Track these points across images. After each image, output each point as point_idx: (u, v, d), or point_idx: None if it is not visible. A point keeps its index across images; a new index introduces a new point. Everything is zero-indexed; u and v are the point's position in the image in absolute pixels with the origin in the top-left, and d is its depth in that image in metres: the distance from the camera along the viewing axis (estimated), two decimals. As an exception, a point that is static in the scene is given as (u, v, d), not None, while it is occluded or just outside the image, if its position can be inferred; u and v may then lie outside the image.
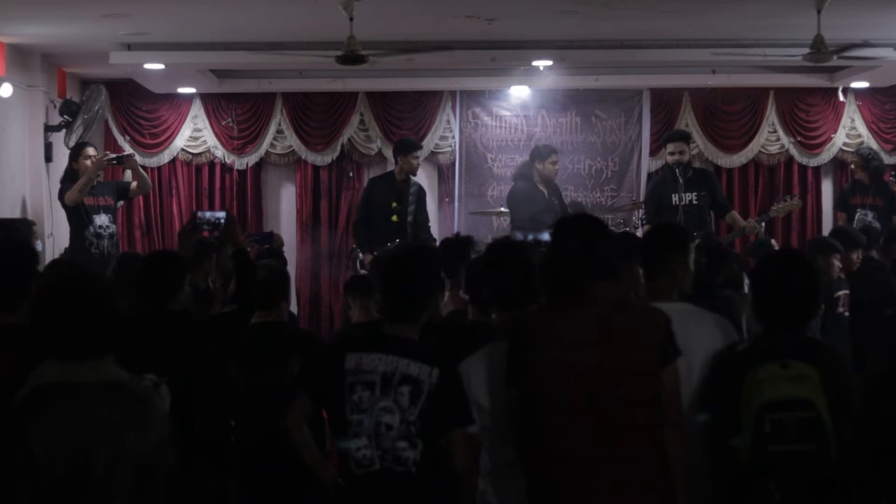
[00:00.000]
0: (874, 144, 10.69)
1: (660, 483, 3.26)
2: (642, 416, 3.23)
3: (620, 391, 3.22)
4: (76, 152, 8.74)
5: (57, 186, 8.88)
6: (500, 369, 3.49)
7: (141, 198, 10.77)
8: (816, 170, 11.26)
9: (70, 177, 8.66)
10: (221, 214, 5.15)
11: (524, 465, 3.39)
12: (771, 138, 11.13)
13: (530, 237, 7.41)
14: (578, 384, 3.22)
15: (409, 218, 8.79)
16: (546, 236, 4.15)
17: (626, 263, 3.66)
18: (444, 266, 4.38)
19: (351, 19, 7.04)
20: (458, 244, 5.31)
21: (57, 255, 8.98)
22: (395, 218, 8.73)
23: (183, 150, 10.94)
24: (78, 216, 8.58)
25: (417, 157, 9.00)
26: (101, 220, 8.69)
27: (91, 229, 8.58)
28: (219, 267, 5.39)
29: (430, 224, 9.19)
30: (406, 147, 9.00)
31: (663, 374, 3.28)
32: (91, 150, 8.80)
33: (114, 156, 9.08)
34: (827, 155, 11.12)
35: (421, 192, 9.08)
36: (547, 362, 3.27)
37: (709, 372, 3.53)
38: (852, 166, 9.75)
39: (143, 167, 10.81)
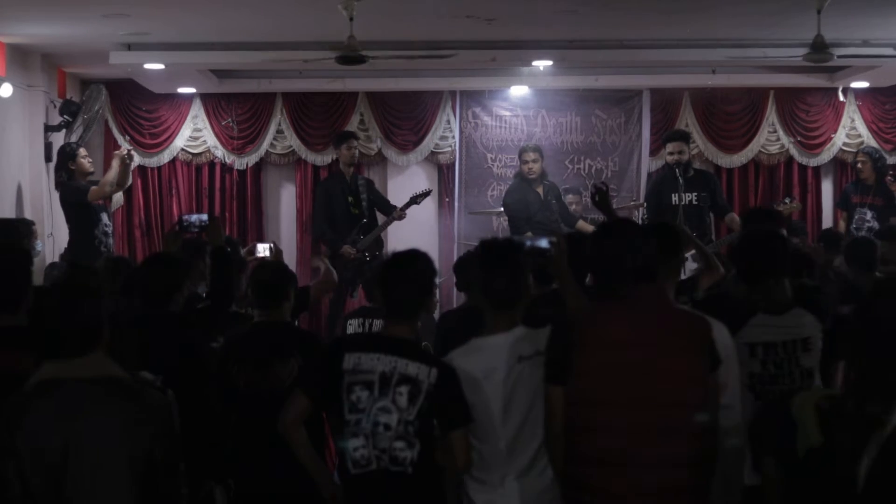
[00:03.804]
0: (874, 144, 10.70)
1: (697, 488, 3.27)
2: (682, 420, 3.23)
3: (662, 393, 3.23)
4: (72, 154, 8.81)
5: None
6: (494, 364, 3.53)
7: (141, 198, 10.87)
8: (816, 170, 11.26)
9: (71, 177, 8.76)
10: (205, 216, 5.33)
11: (556, 462, 3.39)
12: (771, 138, 11.13)
13: (528, 243, 7.38)
14: (619, 383, 3.23)
15: (364, 205, 9.24)
16: (545, 244, 4.16)
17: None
18: None
19: (351, 19, 7.04)
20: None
21: (57, 256, 9.00)
22: (354, 210, 9.19)
23: (183, 150, 10.95)
24: (88, 215, 8.63)
25: (350, 148, 9.42)
26: (104, 218, 8.78)
27: (100, 227, 8.65)
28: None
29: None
30: (338, 139, 9.63)
31: (708, 381, 3.29)
32: (83, 151, 8.95)
33: (128, 150, 9.21)
34: (827, 155, 11.12)
35: (369, 183, 9.57)
36: (589, 360, 3.27)
37: None
38: (859, 165, 9.74)
39: (143, 167, 10.88)
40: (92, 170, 9.10)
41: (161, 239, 10.92)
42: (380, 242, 9.27)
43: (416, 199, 9.28)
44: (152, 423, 2.89)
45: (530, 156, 9.08)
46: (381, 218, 9.32)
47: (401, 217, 9.16)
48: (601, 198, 5.11)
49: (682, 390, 3.24)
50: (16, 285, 3.67)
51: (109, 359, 2.99)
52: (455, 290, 10.51)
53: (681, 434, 3.22)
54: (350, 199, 9.18)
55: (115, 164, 8.84)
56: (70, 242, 8.78)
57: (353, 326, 6.05)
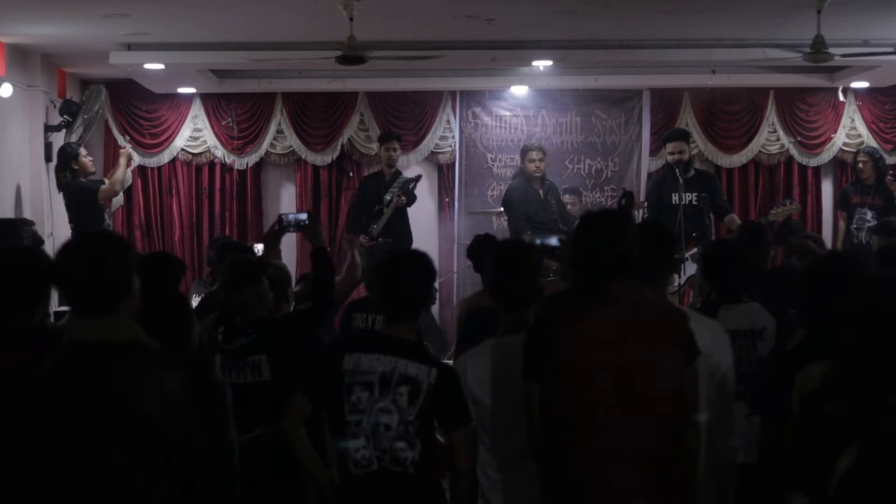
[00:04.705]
0: (874, 144, 10.70)
1: (684, 482, 3.27)
2: (668, 414, 3.23)
3: (647, 389, 3.22)
4: (73, 154, 8.84)
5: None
6: (506, 364, 3.52)
7: (141, 198, 10.88)
8: (816, 170, 11.26)
9: (75, 177, 8.81)
10: (304, 216, 5.20)
11: (539, 461, 3.39)
12: (771, 138, 11.13)
13: (537, 241, 7.43)
14: (606, 381, 3.22)
15: (386, 201, 9.48)
16: (555, 241, 4.21)
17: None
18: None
19: (351, 19, 7.04)
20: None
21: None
22: (385, 208, 9.46)
23: (183, 150, 10.95)
24: (94, 215, 8.69)
25: (388, 149, 9.66)
26: (106, 218, 8.83)
27: (105, 227, 8.70)
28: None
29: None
30: (379, 139, 9.99)
31: (686, 373, 3.30)
32: (83, 150, 9.00)
33: (129, 150, 9.29)
34: (827, 155, 11.12)
35: (406, 182, 9.61)
36: (573, 359, 3.26)
37: (760, 373, 3.67)
38: (859, 165, 9.75)
39: (143, 167, 10.89)
40: (94, 169, 9.14)
41: (161, 239, 10.95)
42: (402, 232, 9.47)
43: (408, 185, 9.54)
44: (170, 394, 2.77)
45: (537, 154, 9.13)
46: (410, 214, 9.66)
47: (399, 203, 9.41)
48: (627, 202, 5.35)
49: (664, 383, 3.23)
50: (31, 288, 3.68)
51: (134, 322, 2.89)
52: (455, 289, 10.57)
53: (665, 427, 3.22)
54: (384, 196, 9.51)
55: (123, 161, 8.95)
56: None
57: (357, 321, 6.02)
